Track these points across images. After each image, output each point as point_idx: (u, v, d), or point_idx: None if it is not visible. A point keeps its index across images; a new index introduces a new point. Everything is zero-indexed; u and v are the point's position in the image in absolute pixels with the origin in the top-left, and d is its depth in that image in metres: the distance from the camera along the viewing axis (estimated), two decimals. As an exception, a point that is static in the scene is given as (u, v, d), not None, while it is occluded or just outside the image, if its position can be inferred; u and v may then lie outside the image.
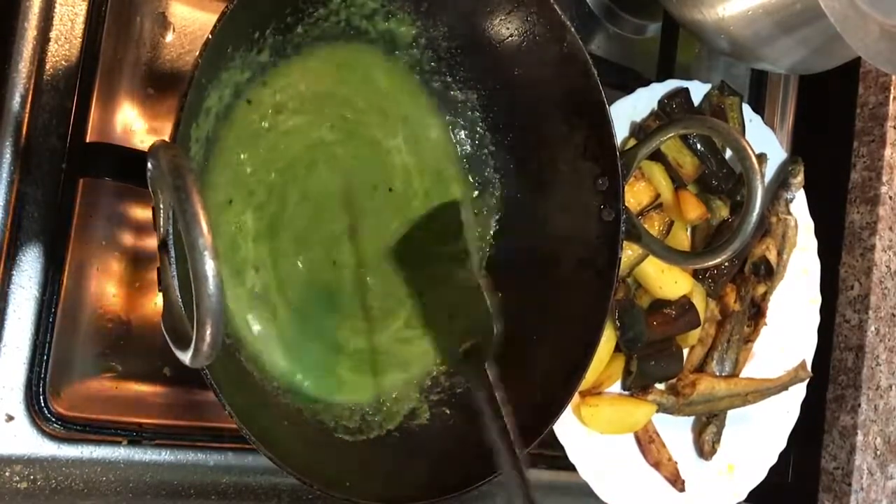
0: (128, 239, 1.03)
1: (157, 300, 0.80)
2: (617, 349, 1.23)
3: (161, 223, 0.78)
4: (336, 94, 1.05)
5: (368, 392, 1.05)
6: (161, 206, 0.77)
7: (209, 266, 0.64)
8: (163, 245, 0.78)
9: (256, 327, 0.98)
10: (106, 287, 1.01)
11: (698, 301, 1.27)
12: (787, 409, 1.38)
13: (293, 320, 1.00)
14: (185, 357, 0.70)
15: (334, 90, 1.05)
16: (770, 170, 1.39)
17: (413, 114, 1.11)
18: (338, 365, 1.03)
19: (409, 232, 1.03)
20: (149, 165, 0.73)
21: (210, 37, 0.80)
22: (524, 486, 0.87)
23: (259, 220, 0.99)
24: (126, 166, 0.98)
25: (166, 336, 0.77)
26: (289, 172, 1.01)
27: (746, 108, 1.35)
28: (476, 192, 1.13)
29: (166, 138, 0.76)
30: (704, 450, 1.31)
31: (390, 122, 1.09)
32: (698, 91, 1.32)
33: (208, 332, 0.65)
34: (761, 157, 1.36)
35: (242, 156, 0.98)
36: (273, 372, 0.99)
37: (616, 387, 1.26)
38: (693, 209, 1.25)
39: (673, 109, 1.27)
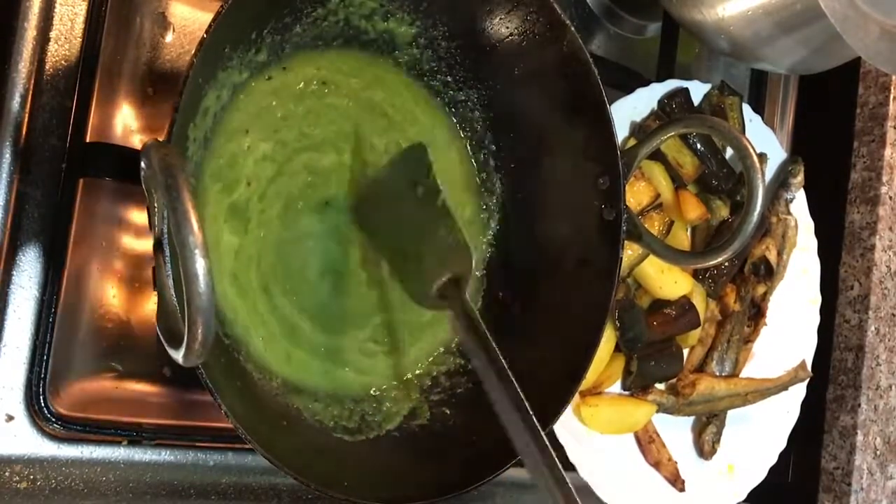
0: (128, 239, 1.03)
1: (156, 300, 0.80)
2: (617, 349, 1.23)
3: (156, 222, 0.78)
4: (391, 118, 1.09)
5: (321, 379, 1.04)
6: (155, 205, 0.77)
7: (199, 264, 0.64)
8: (158, 244, 0.78)
9: (226, 238, 0.98)
10: (106, 287, 1.02)
11: (698, 301, 1.27)
12: (787, 409, 1.38)
13: (264, 243, 1.00)
14: (178, 355, 0.71)
15: (386, 111, 1.08)
16: (770, 170, 1.39)
17: (449, 170, 1.13)
18: (287, 336, 1.02)
19: (373, 184, 1.04)
20: (141, 165, 0.74)
21: (205, 36, 0.80)
22: (532, 431, 0.82)
23: (274, 149, 1.00)
24: (126, 166, 0.98)
25: (160, 335, 0.77)
26: (329, 137, 1.04)
27: (746, 108, 1.35)
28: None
29: (161, 138, 0.76)
30: (704, 450, 1.31)
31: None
32: (698, 91, 1.32)
33: (199, 330, 0.65)
34: (761, 157, 1.36)
35: (274, 102, 1.00)
36: (231, 319, 0.98)
37: (616, 387, 1.26)
38: (693, 209, 1.25)
39: (673, 109, 1.27)
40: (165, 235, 0.77)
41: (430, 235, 0.96)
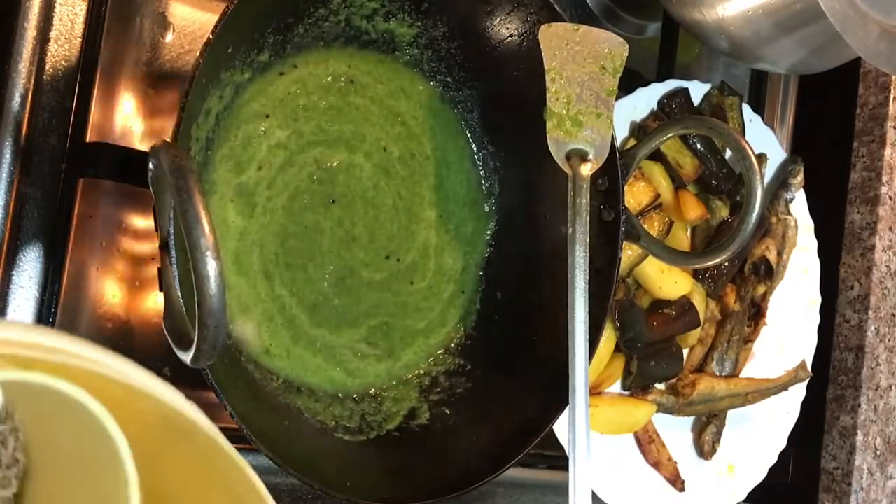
0: (128, 239, 1.03)
1: (158, 300, 0.80)
2: (617, 349, 1.23)
3: (162, 223, 0.78)
4: (410, 129, 1.10)
5: (314, 376, 1.04)
6: (162, 206, 0.77)
7: (211, 266, 0.64)
8: (164, 245, 0.78)
9: (232, 218, 0.98)
10: (106, 287, 1.01)
11: (698, 301, 1.27)
12: (787, 409, 1.38)
13: (268, 231, 1.00)
14: (187, 357, 0.71)
15: (406, 121, 1.10)
16: (770, 170, 1.38)
17: (457, 189, 1.13)
18: (287, 327, 1.02)
19: None
20: (150, 165, 0.74)
21: (211, 37, 0.80)
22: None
23: (290, 138, 1.01)
24: (126, 166, 0.98)
25: (167, 336, 0.77)
26: (345, 136, 1.05)
27: (746, 108, 1.35)
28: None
29: (167, 138, 0.76)
30: (704, 450, 1.31)
31: (441, 192, 1.12)
32: (698, 91, 1.32)
33: (210, 332, 0.65)
34: (761, 157, 1.36)
35: (299, 90, 1.02)
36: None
37: (616, 387, 1.26)
38: (693, 209, 1.25)
39: (673, 109, 1.27)
40: (172, 236, 0.77)
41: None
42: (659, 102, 1.28)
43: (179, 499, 0.61)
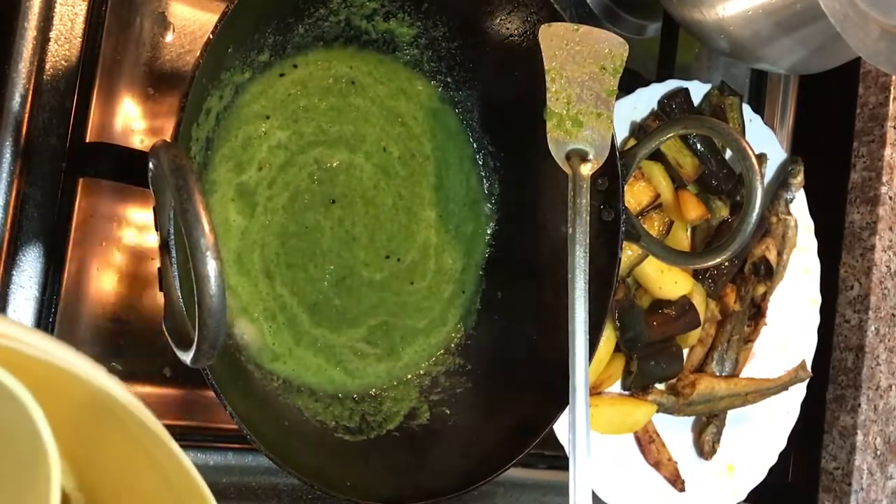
0: (127, 239, 1.03)
1: (158, 300, 0.80)
2: (617, 349, 1.23)
3: (162, 223, 0.78)
4: (410, 129, 1.10)
5: (314, 376, 1.04)
6: (162, 206, 0.77)
7: (211, 266, 0.64)
8: (164, 245, 0.78)
9: (233, 218, 0.98)
10: (106, 287, 1.01)
11: (698, 301, 1.27)
12: (787, 409, 1.38)
13: (268, 231, 1.00)
14: (187, 357, 0.70)
15: (407, 122, 1.10)
16: (770, 170, 1.39)
17: (457, 189, 1.13)
18: (288, 326, 1.02)
19: None
20: (150, 165, 0.73)
21: (211, 37, 0.80)
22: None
23: (290, 138, 1.02)
24: (126, 166, 0.97)
25: (168, 336, 0.77)
26: (345, 136, 1.05)
27: (746, 108, 1.35)
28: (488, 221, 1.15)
29: (167, 138, 0.76)
30: (704, 450, 1.31)
31: (441, 192, 1.12)
32: (698, 91, 1.32)
33: (210, 332, 0.65)
34: (761, 157, 1.36)
35: (300, 92, 1.02)
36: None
37: (616, 387, 1.26)
38: (693, 209, 1.25)
39: (673, 109, 1.27)
40: (172, 236, 0.77)
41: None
42: (659, 102, 1.28)
43: (117, 483, 0.61)
